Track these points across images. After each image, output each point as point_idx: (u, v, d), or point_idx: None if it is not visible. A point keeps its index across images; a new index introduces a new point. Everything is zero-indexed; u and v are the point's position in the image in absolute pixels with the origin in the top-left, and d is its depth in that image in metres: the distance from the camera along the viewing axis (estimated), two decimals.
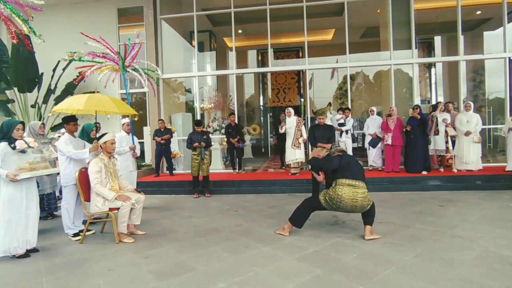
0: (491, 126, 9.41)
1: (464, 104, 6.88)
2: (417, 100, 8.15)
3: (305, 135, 6.93)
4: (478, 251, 3.12)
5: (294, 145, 6.93)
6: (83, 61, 5.76)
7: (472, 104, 6.70)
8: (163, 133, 7.51)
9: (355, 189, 3.45)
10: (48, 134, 6.50)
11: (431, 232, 3.73)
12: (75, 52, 5.69)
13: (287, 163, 7.31)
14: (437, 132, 6.52)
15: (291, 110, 7.20)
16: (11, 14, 3.90)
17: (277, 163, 8.99)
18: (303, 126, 7.03)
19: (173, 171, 7.97)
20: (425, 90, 11.61)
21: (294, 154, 6.98)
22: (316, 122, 5.22)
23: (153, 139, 7.61)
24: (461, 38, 7.85)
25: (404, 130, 6.84)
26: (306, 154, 7.89)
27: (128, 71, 6.13)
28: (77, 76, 8.34)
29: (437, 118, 6.53)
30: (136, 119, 5.53)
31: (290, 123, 7.05)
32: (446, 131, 6.56)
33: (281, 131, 7.18)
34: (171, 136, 7.66)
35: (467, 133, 6.46)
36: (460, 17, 7.77)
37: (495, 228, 3.77)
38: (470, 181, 6.23)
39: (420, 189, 6.13)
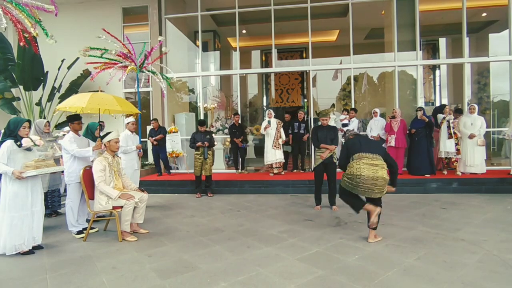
0: (496, 129, 9.35)
1: (468, 106, 6.85)
2: (421, 102, 8.13)
3: (284, 137, 7.28)
4: (481, 254, 3.11)
5: (275, 146, 7.17)
6: (104, 58, 5.82)
7: (476, 106, 6.66)
8: (157, 133, 7.52)
9: (373, 161, 3.40)
10: (53, 132, 6.55)
11: (433, 234, 3.72)
12: (102, 49, 5.72)
13: (266, 163, 7.41)
14: (450, 136, 6.48)
15: (272, 112, 7.42)
16: (22, 16, 3.91)
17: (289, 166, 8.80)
18: (281, 128, 7.27)
19: (176, 171, 7.99)
20: (429, 92, 11.56)
21: (275, 155, 7.22)
22: (319, 123, 5.23)
23: (148, 139, 7.65)
24: (466, 40, 7.82)
25: (408, 132, 6.82)
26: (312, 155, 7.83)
27: (143, 72, 6.20)
28: (81, 74, 8.44)
29: (449, 122, 6.50)
30: (135, 117, 5.58)
31: (272, 124, 7.21)
32: (455, 133, 6.54)
33: (263, 132, 7.26)
34: (164, 135, 7.67)
35: (471, 136, 6.42)
36: (465, 19, 7.74)
37: (498, 232, 3.76)
38: (473, 184, 6.20)
39: (423, 191, 6.12)
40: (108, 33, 5.84)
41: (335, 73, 10.42)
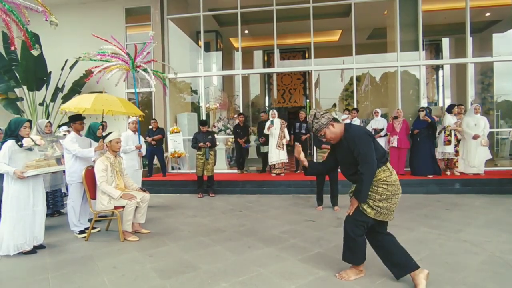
0: (499, 130, 9.30)
1: (472, 106, 6.81)
2: (423, 102, 8.09)
3: (287, 137, 7.24)
4: (483, 255, 3.09)
5: (279, 146, 7.16)
6: (95, 60, 5.82)
7: (480, 107, 6.63)
8: (155, 133, 7.47)
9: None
10: (55, 132, 6.59)
11: (436, 235, 3.70)
12: (88, 53, 5.74)
13: (270, 164, 7.39)
14: (448, 143, 6.51)
15: (275, 112, 7.38)
16: (11, 20, 3.89)
17: (291, 166, 8.80)
18: (285, 128, 7.26)
19: (178, 171, 7.97)
20: (432, 92, 11.51)
21: (279, 155, 7.20)
22: None
23: (145, 138, 7.56)
24: (469, 40, 7.77)
25: (410, 132, 6.79)
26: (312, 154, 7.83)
27: (138, 71, 6.18)
28: (84, 75, 8.47)
29: (449, 131, 6.52)
30: (141, 119, 5.58)
31: (275, 124, 7.20)
32: (455, 134, 6.52)
33: (267, 132, 7.24)
34: (163, 136, 7.63)
35: (475, 137, 6.38)
36: (468, 18, 7.69)
37: (501, 233, 3.73)
38: (476, 185, 6.15)
39: (425, 192, 6.08)
40: (97, 37, 5.82)
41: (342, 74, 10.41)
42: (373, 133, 7.00)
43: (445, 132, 6.54)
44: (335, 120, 2.55)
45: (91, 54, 5.69)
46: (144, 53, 6.07)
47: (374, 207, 2.44)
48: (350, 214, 2.55)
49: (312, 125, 2.56)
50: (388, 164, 2.51)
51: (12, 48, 4.19)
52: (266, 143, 7.45)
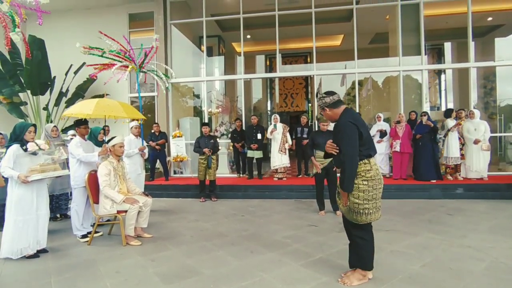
0: (503, 134, 9.26)
1: (466, 112, 6.78)
2: (426, 107, 8.08)
3: (290, 141, 7.25)
4: (488, 261, 3.07)
5: (281, 151, 7.15)
6: (106, 57, 5.82)
7: (475, 111, 6.61)
8: (158, 137, 7.49)
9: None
10: (61, 134, 6.61)
11: (439, 241, 3.68)
12: (97, 48, 5.74)
13: (273, 168, 7.36)
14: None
15: (278, 116, 7.41)
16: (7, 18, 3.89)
17: (293, 170, 8.79)
18: (288, 133, 7.27)
19: (180, 175, 7.97)
20: (434, 96, 11.49)
21: (281, 160, 7.18)
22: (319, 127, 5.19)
23: (147, 143, 7.56)
24: (471, 45, 7.77)
25: (413, 137, 6.77)
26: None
27: (144, 71, 6.21)
28: (87, 79, 8.53)
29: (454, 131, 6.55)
30: (142, 122, 5.59)
31: (278, 129, 7.22)
32: (460, 138, 6.51)
33: (270, 136, 7.24)
34: (166, 141, 7.66)
35: (476, 141, 6.36)
36: (470, 23, 7.70)
37: (505, 238, 3.70)
38: (479, 190, 6.12)
39: (428, 197, 6.05)
40: (105, 35, 5.86)
41: (342, 79, 10.39)
42: (378, 135, 7.06)
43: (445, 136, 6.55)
44: (333, 105, 2.62)
45: (106, 51, 5.69)
46: (150, 54, 6.09)
47: (362, 211, 2.49)
48: (344, 205, 2.60)
49: (318, 104, 2.76)
50: (371, 159, 2.54)
51: (7, 48, 4.17)
52: (258, 148, 7.37)
